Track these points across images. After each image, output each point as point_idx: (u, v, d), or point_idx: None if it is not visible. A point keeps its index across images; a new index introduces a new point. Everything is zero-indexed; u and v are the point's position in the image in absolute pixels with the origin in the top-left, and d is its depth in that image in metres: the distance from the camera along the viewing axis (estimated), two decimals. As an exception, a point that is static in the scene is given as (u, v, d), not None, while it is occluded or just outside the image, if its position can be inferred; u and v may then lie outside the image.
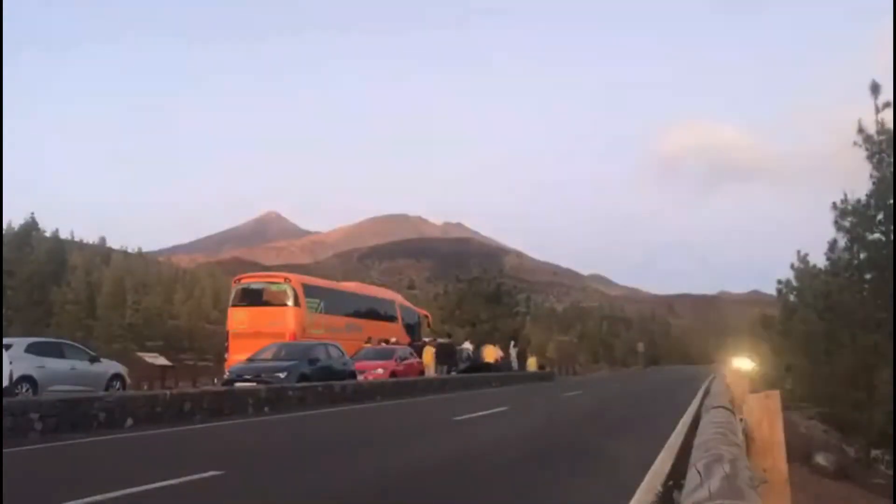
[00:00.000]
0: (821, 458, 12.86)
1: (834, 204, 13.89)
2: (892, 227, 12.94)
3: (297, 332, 24.19)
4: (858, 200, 13.54)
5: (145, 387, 23.23)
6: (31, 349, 16.75)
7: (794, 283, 20.44)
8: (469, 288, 48.27)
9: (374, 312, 30.58)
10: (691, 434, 8.97)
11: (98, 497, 5.90)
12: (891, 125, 12.87)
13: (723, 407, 4.44)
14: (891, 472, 12.93)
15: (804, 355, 17.10)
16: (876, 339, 12.76)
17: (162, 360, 28.59)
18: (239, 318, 25.24)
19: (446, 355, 29.02)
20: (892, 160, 12.92)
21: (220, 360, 27.74)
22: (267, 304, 25.55)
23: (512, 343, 39.62)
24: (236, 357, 22.26)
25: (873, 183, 13.30)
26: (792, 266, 20.67)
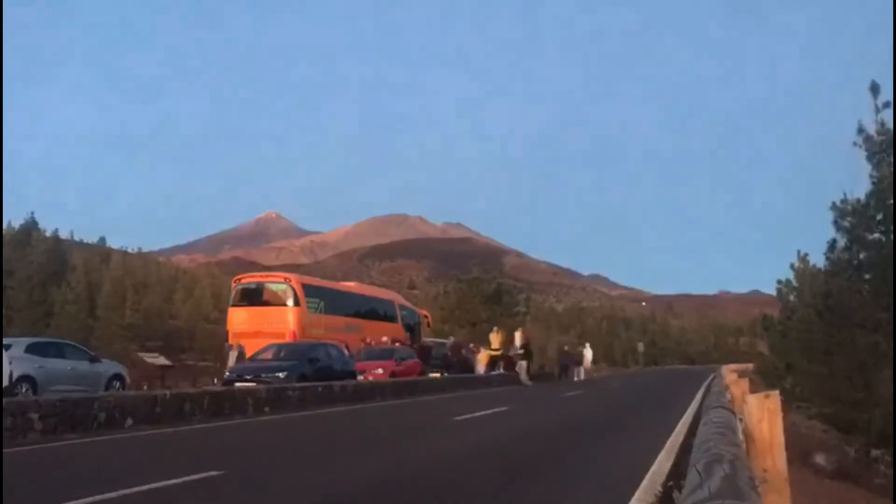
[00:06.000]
0: (821, 458, 12.86)
1: (834, 204, 13.88)
2: (891, 227, 12.92)
3: (297, 332, 24.21)
4: (858, 200, 13.52)
5: (145, 387, 23.23)
6: (31, 349, 16.75)
7: (794, 283, 20.47)
8: (469, 288, 48.23)
9: (373, 312, 30.60)
10: (691, 434, 8.98)
11: (98, 497, 5.90)
12: (891, 125, 12.86)
13: (722, 407, 4.45)
14: (891, 472, 12.93)
15: (804, 355, 17.08)
16: (876, 340, 12.75)
17: (162, 360, 28.62)
18: (239, 318, 25.26)
19: (453, 355, 28.95)
20: (892, 160, 12.90)
21: (220, 360, 27.76)
22: (267, 304, 25.56)
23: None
24: (236, 357, 22.29)
25: (873, 183, 13.28)
26: (792, 266, 20.71)
